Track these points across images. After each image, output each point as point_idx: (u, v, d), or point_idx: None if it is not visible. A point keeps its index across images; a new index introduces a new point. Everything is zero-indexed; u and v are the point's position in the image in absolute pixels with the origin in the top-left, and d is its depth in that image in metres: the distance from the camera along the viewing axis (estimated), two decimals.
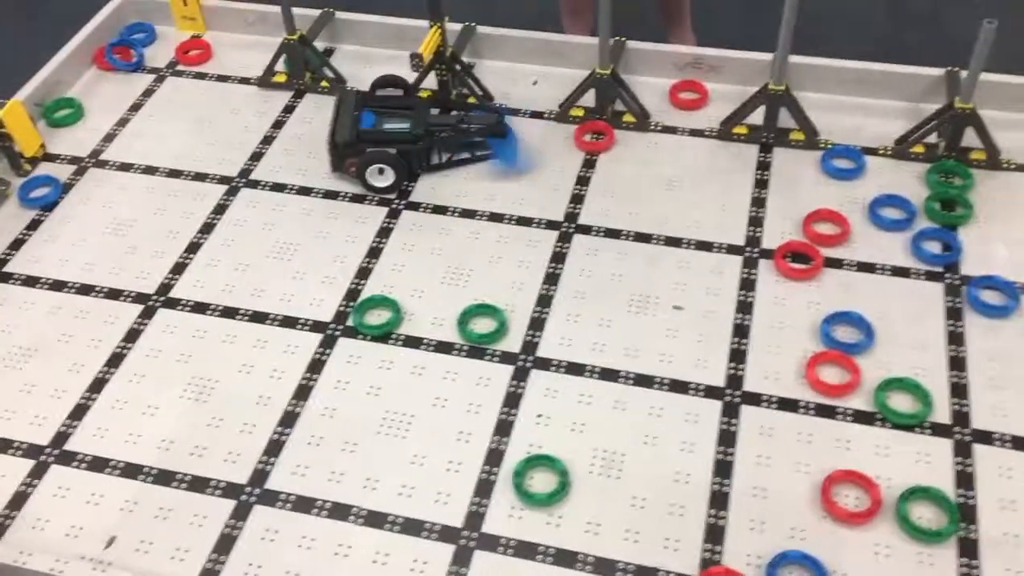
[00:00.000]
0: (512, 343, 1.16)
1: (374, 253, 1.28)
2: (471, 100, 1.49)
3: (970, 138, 1.33)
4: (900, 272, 1.21)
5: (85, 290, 1.25)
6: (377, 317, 1.19)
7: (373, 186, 1.34)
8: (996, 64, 1.29)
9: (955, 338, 1.13)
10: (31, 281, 1.27)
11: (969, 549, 0.95)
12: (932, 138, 1.35)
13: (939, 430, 1.05)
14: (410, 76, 1.45)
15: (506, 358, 1.15)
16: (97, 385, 1.14)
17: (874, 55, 1.48)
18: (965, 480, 1.00)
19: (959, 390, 1.08)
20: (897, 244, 1.25)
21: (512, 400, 1.10)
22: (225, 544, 0.99)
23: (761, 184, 1.34)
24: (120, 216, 1.35)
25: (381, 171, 1.33)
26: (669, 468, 1.03)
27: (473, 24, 1.55)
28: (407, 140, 1.34)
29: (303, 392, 1.12)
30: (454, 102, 1.47)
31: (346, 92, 1.39)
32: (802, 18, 1.26)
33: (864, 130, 1.41)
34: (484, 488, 1.02)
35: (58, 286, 1.26)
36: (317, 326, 1.19)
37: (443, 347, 1.16)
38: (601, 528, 0.99)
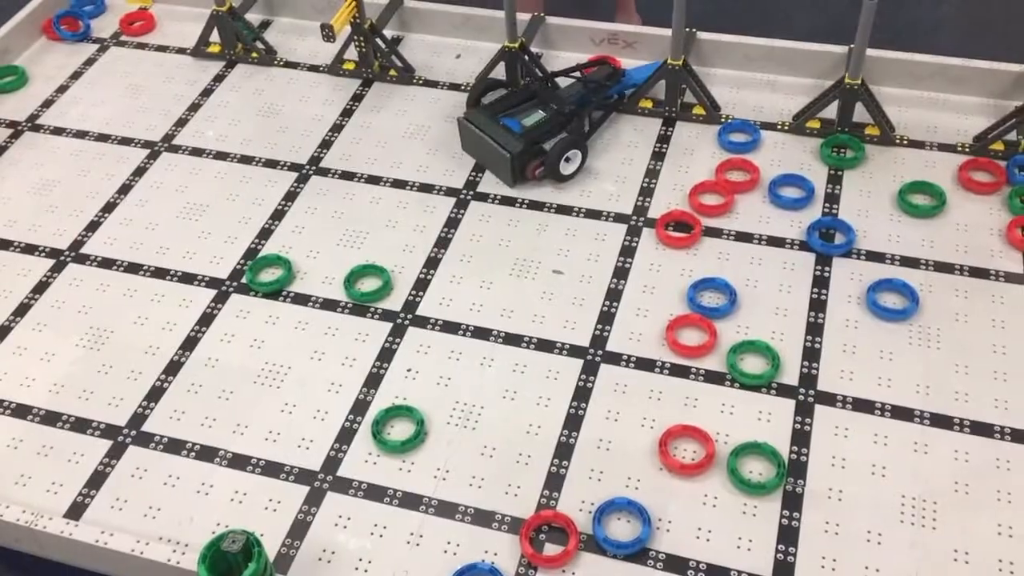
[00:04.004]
0: (395, 302, 1.21)
1: (278, 215, 1.34)
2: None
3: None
4: (775, 242, 1.25)
5: (4, 245, 1.32)
6: (270, 275, 1.25)
7: (563, 175, 1.33)
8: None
9: (817, 305, 1.17)
10: None
11: (793, 502, 0.99)
12: (832, 114, 1.38)
13: (784, 391, 1.08)
14: (322, 47, 1.50)
15: (386, 315, 1.20)
16: (2, 332, 1.21)
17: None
18: (802, 438, 1.04)
19: (812, 354, 1.12)
20: (785, 219, 1.28)
21: (386, 355, 1.15)
22: (97, 480, 1.05)
23: (658, 156, 1.38)
24: (46, 177, 1.42)
25: (568, 159, 1.33)
26: (523, 421, 1.08)
27: None
28: (564, 123, 1.35)
29: (191, 343, 1.18)
30: (547, 74, 1.44)
31: (465, 117, 1.36)
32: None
33: (767, 106, 1.44)
34: (346, 435, 1.08)
35: None
36: (213, 282, 1.25)
37: (329, 304, 1.22)
38: (449, 474, 1.04)
